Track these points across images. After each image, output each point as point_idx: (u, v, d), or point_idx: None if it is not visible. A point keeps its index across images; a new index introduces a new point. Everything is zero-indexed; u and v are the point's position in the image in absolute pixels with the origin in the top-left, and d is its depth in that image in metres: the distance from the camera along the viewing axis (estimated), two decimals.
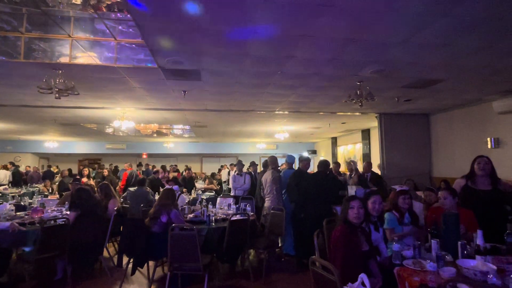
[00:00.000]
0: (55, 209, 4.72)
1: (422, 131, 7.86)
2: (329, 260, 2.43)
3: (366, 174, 6.08)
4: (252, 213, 4.60)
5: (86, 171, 7.93)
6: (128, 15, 4.03)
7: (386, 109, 7.31)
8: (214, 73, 4.50)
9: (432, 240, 2.38)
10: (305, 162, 4.71)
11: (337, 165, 7.19)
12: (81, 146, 15.21)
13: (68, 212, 4.35)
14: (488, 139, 6.03)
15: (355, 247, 2.41)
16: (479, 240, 2.19)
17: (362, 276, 1.97)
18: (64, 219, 3.80)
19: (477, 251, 2.16)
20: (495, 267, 1.93)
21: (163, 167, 11.28)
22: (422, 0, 2.58)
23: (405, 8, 2.70)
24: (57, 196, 6.38)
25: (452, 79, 4.82)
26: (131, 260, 3.66)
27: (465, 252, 2.26)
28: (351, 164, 6.89)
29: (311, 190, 4.23)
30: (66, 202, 4.70)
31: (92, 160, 16.49)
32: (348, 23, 2.98)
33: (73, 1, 3.81)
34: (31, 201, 5.67)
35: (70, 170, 9.82)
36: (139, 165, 10.87)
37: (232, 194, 6.26)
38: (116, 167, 12.99)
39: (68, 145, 14.92)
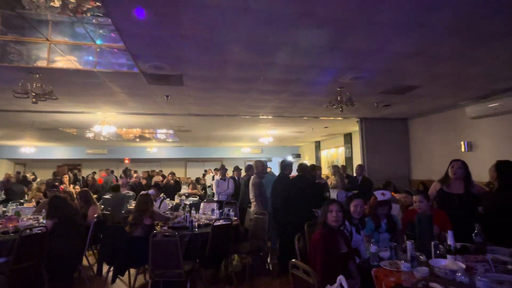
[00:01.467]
0: (31, 217, 4.56)
1: (401, 135, 8.12)
2: (310, 262, 2.48)
3: (358, 177, 6.18)
4: (235, 218, 4.61)
5: (66, 177, 7.68)
6: (109, 19, 4.02)
7: (367, 113, 7.51)
8: (197, 78, 4.51)
9: (407, 241, 2.47)
10: (291, 167, 4.77)
11: (319, 169, 7.26)
12: (60, 151, 14.73)
13: (44, 221, 4.21)
14: (462, 143, 6.31)
15: (334, 249, 2.47)
16: (449, 240, 2.30)
17: (341, 278, 2.03)
18: (41, 228, 3.68)
19: (448, 250, 2.26)
20: (464, 266, 2.03)
21: (125, 172, 10.96)
22: (398, 11, 2.70)
23: (382, 18, 2.81)
24: (34, 203, 6.16)
25: (428, 85, 5.03)
26: (112, 268, 3.58)
27: (438, 252, 2.36)
28: (334, 168, 7.02)
29: (292, 194, 4.28)
30: (43, 210, 4.55)
31: (72, 166, 15.99)
32: (328, 32, 3.08)
33: (52, 4, 3.74)
34: (5, 209, 5.44)
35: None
36: (125, 171, 10.63)
37: (215, 199, 6.24)
38: None
39: (46, 150, 14.41)
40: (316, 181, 5.25)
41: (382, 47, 3.46)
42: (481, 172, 4.08)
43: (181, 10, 2.66)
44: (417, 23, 2.92)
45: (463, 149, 6.24)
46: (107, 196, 5.62)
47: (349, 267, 2.55)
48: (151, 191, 4.57)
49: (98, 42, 4.13)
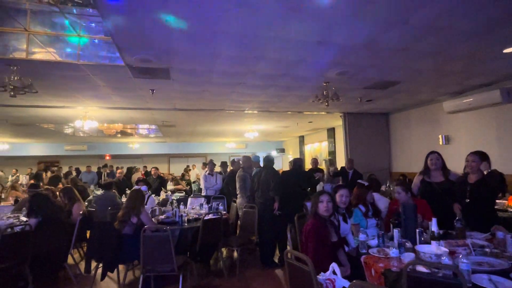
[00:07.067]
0: (11, 216, 4.38)
1: (382, 129, 8.40)
2: (301, 252, 2.55)
3: (349, 171, 6.34)
4: (224, 212, 4.64)
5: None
6: (89, 9, 3.89)
7: (350, 108, 7.70)
8: (184, 71, 4.46)
9: (393, 230, 2.60)
10: (273, 161, 4.89)
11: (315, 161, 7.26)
12: (36, 148, 14.10)
13: (25, 219, 4.07)
14: (440, 136, 6.61)
15: (325, 238, 2.55)
16: (433, 227, 2.44)
17: (333, 265, 2.11)
18: (22, 226, 3.56)
19: (432, 237, 2.41)
20: (447, 250, 2.16)
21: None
22: (383, 8, 2.79)
23: (367, 15, 2.90)
24: (12, 202, 5.90)
25: (408, 81, 5.23)
26: (100, 266, 3.52)
27: (422, 238, 2.50)
28: (326, 162, 7.16)
29: (287, 187, 4.37)
30: (24, 208, 4.38)
31: (49, 163, 15.36)
32: (316, 27, 3.13)
33: None
34: None
35: None
36: (104, 166, 10.34)
37: (203, 194, 6.23)
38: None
39: (21, 147, 13.77)
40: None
41: (368, 43, 3.57)
42: (458, 164, 4.31)
43: (171, 1, 2.62)
44: (401, 20, 3.03)
45: (441, 142, 6.55)
46: (98, 193, 5.48)
47: (339, 255, 2.65)
48: (144, 187, 4.49)
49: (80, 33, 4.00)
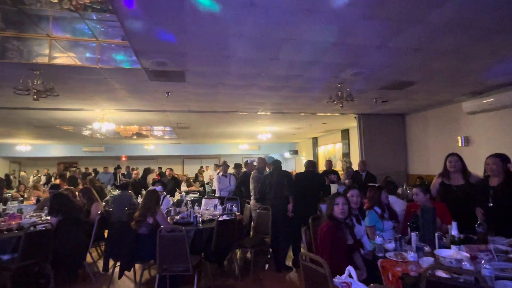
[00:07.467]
0: (34, 214, 4.55)
1: (398, 130, 8.22)
2: (316, 254, 2.53)
3: (362, 173, 6.25)
4: (238, 213, 4.66)
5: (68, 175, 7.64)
6: (108, 15, 4.00)
7: (365, 109, 7.58)
8: (199, 74, 4.51)
9: (411, 233, 2.54)
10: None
11: (329, 162, 7.20)
12: (56, 149, 14.59)
13: (47, 218, 4.22)
14: (459, 137, 6.41)
15: (341, 241, 2.52)
16: (453, 231, 2.37)
17: (349, 269, 2.09)
18: (44, 225, 3.69)
19: (452, 241, 2.34)
20: (468, 255, 2.10)
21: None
22: (398, 8, 2.75)
23: (383, 14, 2.86)
24: (34, 201, 6.13)
25: (425, 81, 5.10)
26: (117, 264, 3.61)
27: (442, 243, 2.44)
28: (347, 163, 7.07)
29: (301, 189, 4.36)
30: (45, 207, 4.55)
31: (68, 164, 15.86)
32: (331, 28, 3.11)
33: (52, 0, 3.71)
34: (5, 207, 5.41)
35: None
36: (117, 167, 10.58)
37: (217, 195, 6.28)
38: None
39: (41, 148, 14.26)
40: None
41: (383, 43, 3.51)
42: (478, 166, 4.18)
43: (185, 5, 2.66)
44: (417, 19, 2.97)
45: (460, 144, 6.35)
46: (114, 193, 5.62)
47: (355, 258, 2.62)
48: (158, 188, 4.57)
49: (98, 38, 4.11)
